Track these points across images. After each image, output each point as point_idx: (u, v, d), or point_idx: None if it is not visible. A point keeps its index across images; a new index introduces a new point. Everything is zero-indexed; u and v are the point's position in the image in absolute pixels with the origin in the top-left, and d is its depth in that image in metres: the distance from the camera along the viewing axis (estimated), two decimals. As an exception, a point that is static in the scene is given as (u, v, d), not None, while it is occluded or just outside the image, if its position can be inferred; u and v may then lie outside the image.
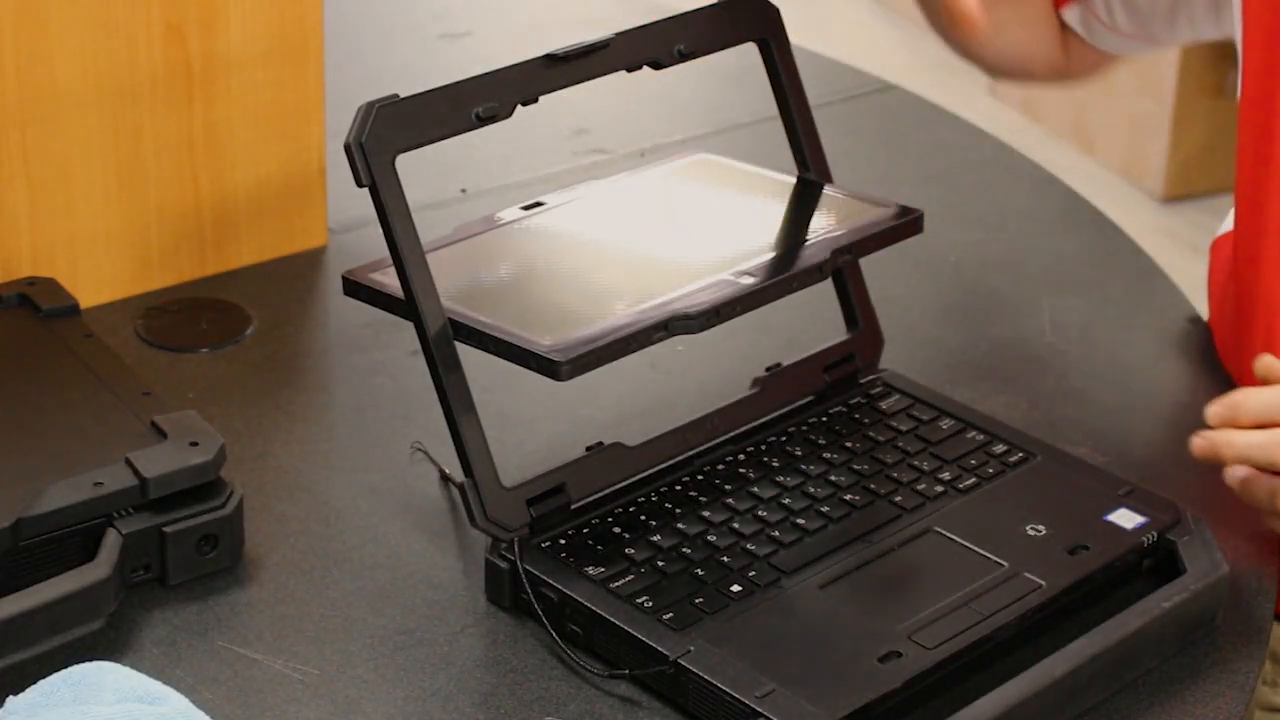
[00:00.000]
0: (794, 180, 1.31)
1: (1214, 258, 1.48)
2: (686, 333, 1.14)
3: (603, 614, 1.10)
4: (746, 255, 1.21)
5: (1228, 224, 1.46)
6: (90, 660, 1.04)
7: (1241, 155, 1.40)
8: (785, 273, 1.19)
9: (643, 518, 1.17)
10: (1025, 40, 1.53)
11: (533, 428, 1.31)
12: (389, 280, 1.16)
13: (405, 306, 1.14)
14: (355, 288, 1.19)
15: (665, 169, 1.33)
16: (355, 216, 1.53)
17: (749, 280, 1.18)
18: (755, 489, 1.20)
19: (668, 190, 1.32)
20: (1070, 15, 1.53)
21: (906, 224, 1.26)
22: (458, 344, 1.14)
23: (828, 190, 1.30)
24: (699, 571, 1.13)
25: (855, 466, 1.22)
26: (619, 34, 1.22)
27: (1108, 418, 1.35)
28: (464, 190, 1.61)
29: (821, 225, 1.26)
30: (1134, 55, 1.56)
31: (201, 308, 1.44)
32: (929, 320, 1.46)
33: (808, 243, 1.23)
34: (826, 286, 1.32)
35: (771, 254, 1.22)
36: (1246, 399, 1.22)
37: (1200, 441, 1.22)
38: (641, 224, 1.28)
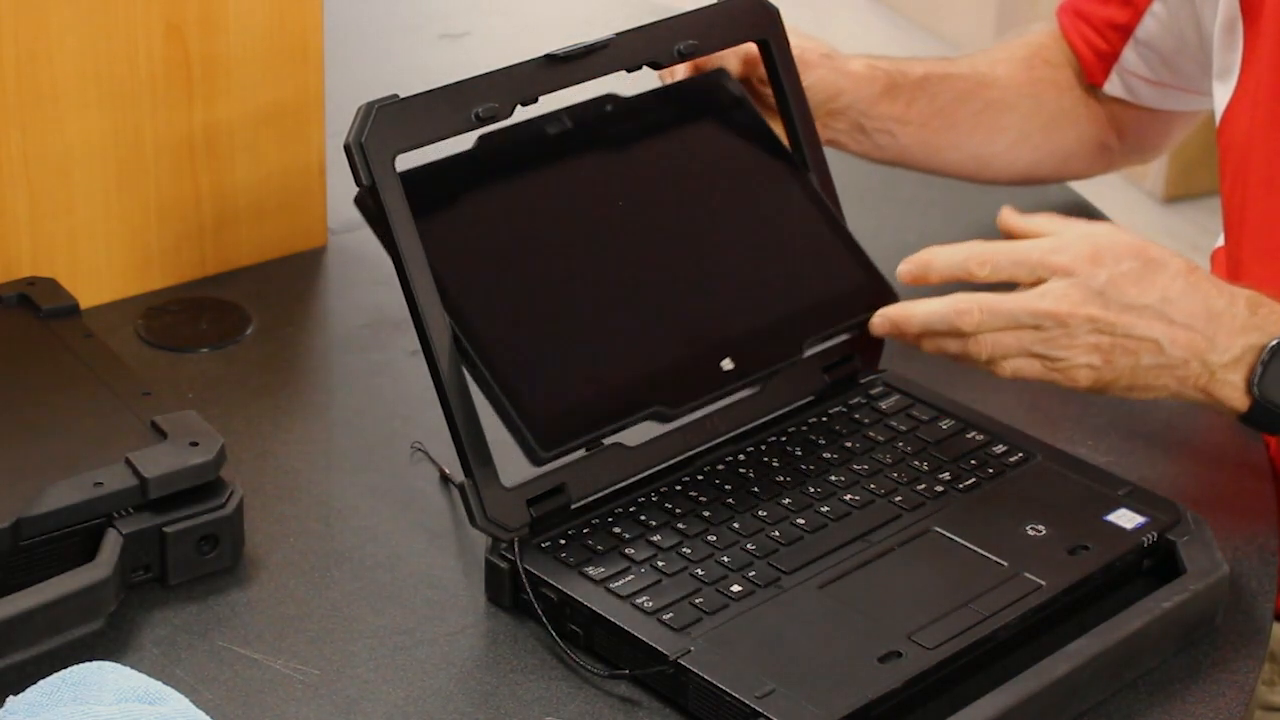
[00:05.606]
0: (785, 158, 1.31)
1: (1214, 267, 1.49)
2: (661, 421, 1.19)
3: (603, 614, 1.10)
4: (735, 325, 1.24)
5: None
6: (90, 660, 1.04)
7: (1223, 176, 1.43)
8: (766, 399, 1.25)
9: (643, 518, 1.17)
10: (1046, 148, 1.56)
11: (533, 428, 1.31)
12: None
13: (406, 300, 1.14)
14: (370, 208, 1.17)
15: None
16: (355, 216, 1.51)
17: (733, 384, 1.22)
18: (755, 489, 1.20)
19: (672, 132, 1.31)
20: (1112, 85, 1.55)
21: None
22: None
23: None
24: (699, 571, 1.13)
25: (855, 466, 1.22)
26: (619, 34, 1.22)
27: (1108, 418, 1.35)
28: (464, 190, 1.61)
29: (816, 324, 1.28)
30: (1187, 108, 1.57)
31: (201, 308, 1.44)
32: (929, 320, 1.46)
33: (798, 357, 1.26)
34: (826, 286, 1.32)
35: (759, 341, 1.25)
36: (937, 254, 1.24)
37: (879, 320, 1.26)
38: (642, 217, 1.28)
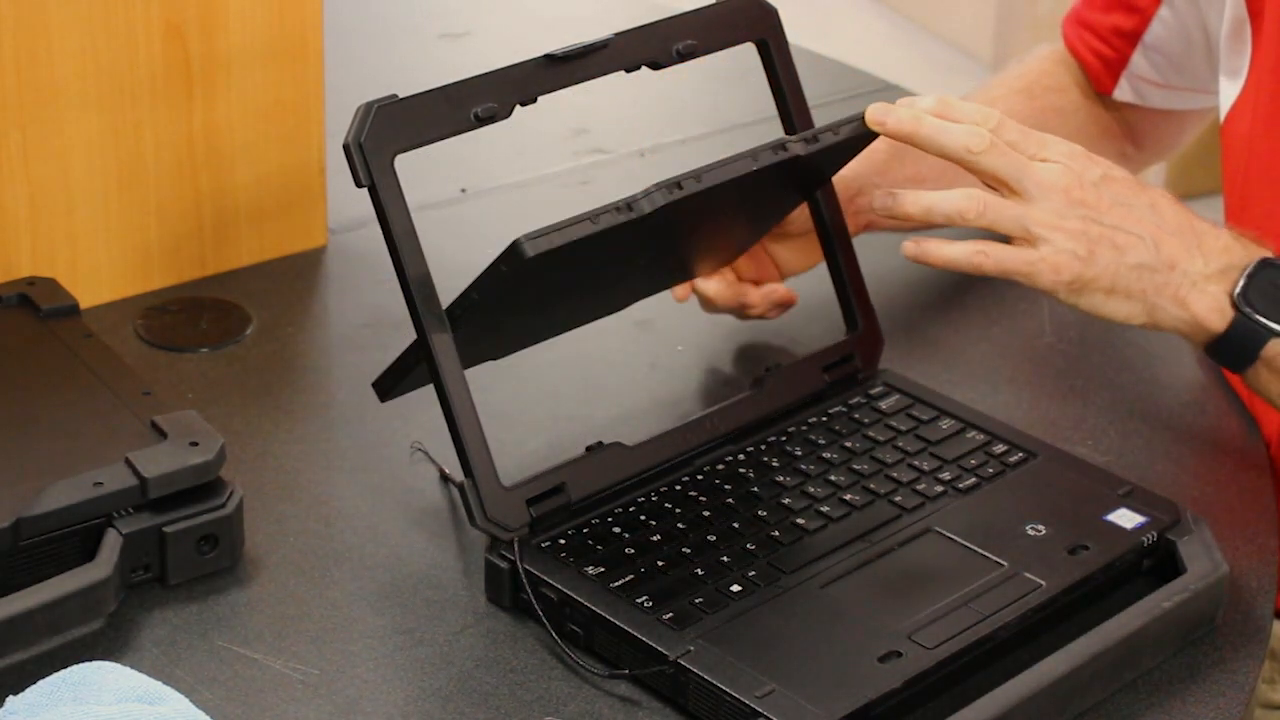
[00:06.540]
0: None
1: None
2: (650, 207, 1.12)
3: (603, 614, 1.10)
4: None
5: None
6: (90, 660, 1.04)
7: (1226, 173, 1.43)
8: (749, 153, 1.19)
9: (643, 518, 1.17)
10: None
11: (533, 428, 1.31)
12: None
13: (418, 350, 1.14)
14: (386, 384, 1.22)
15: None
16: (355, 216, 1.53)
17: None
18: (755, 489, 1.20)
19: None
20: (1122, 91, 1.55)
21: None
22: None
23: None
24: (699, 571, 1.13)
25: (855, 466, 1.22)
26: (618, 34, 1.22)
27: (1108, 418, 1.35)
28: (464, 190, 1.61)
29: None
30: (1198, 107, 1.57)
31: (201, 308, 1.44)
32: (929, 320, 1.46)
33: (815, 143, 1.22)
34: (826, 287, 1.33)
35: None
36: (959, 104, 1.22)
37: (879, 113, 1.21)
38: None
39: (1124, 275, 1.20)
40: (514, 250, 1.08)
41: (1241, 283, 1.21)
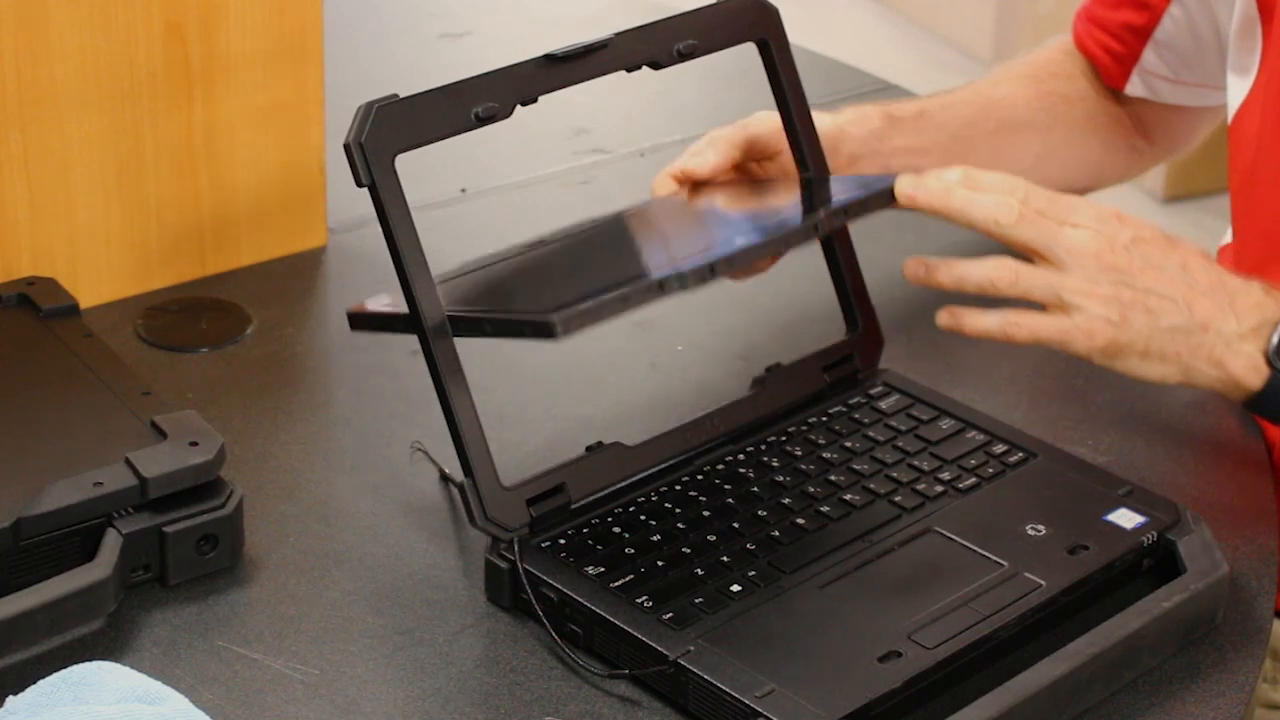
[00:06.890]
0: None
1: (1221, 264, 1.49)
2: (682, 289, 1.11)
3: (603, 614, 1.10)
4: (744, 230, 1.22)
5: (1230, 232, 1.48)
6: (90, 660, 1.04)
7: (1233, 173, 1.43)
8: (779, 233, 1.19)
9: (643, 518, 1.17)
10: (1075, 160, 1.55)
11: (533, 428, 1.31)
12: (388, 305, 1.17)
13: (409, 320, 1.13)
14: (359, 319, 1.21)
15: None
16: (355, 216, 1.53)
17: (741, 241, 1.17)
18: (755, 489, 1.20)
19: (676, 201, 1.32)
20: (1134, 86, 1.55)
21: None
22: (458, 342, 1.14)
23: (832, 179, 1.30)
24: (699, 571, 1.13)
25: (855, 466, 1.22)
26: (618, 34, 1.22)
27: (1108, 418, 1.35)
28: (464, 190, 1.61)
29: (820, 198, 1.26)
30: (1210, 103, 1.57)
31: (201, 308, 1.44)
32: (929, 320, 1.46)
33: (806, 213, 1.23)
34: (826, 286, 1.32)
35: (768, 223, 1.22)
36: (983, 176, 1.23)
37: (910, 185, 1.21)
38: (643, 216, 1.29)
39: (1158, 339, 1.20)
40: (544, 327, 1.08)
41: (1275, 339, 1.21)
